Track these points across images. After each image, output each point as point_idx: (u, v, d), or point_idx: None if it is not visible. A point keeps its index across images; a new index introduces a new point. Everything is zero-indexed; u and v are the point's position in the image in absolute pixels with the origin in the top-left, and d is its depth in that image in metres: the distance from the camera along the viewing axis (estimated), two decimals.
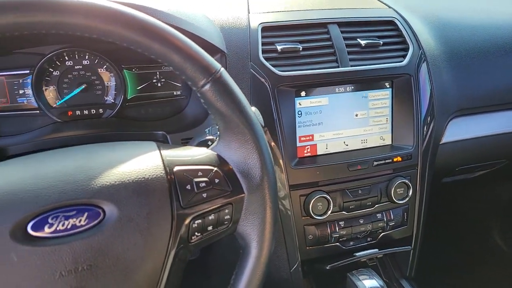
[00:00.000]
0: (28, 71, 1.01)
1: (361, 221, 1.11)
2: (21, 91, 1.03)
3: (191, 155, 0.67)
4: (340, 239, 1.10)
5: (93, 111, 1.09)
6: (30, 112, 1.04)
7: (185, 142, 1.00)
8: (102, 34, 0.57)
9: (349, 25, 1.12)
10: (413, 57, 1.14)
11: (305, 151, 1.08)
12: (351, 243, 1.13)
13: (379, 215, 1.12)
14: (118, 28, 0.56)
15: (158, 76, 1.14)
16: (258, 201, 0.66)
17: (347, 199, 1.08)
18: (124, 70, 1.09)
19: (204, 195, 0.63)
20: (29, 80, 1.02)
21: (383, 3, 1.25)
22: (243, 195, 0.66)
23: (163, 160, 0.64)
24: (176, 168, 0.63)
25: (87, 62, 1.06)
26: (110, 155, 0.63)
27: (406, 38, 1.16)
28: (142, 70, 1.12)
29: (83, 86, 1.06)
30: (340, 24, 1.11)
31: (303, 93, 1.06)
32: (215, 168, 0.65)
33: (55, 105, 1.06)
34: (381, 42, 1.11)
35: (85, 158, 0.62)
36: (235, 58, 1.03)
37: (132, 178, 0.60)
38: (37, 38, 0.95)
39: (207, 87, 0.62)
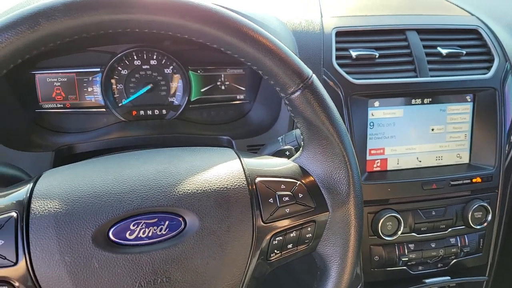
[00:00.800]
0: (98, 69, 1.00)
1: (433, 245, 1.02)
2: (89, 89, 1.02)
3: (272, 166, 0.63)
4: (409, 263, 1.02)
5: (157, 112, 1.08)
6: (96, 110, 1.04)
7: (251, 148, 0.96)
8: (195, 34, 0.54)
9: (429, 33, 1.04)
10: (499, 70, 1.04)
11: (375, 165, 1.01)
12: (420, 268, 1.04)
13: (452, 240, 1.03)
14: (212, 29, 0.53)
15: (222, 79, 1.11)
16: (342, 220, 0.61)
17: (419, 220, 1.00)
18: (190, 71, 1.07)
19: (287, 210, 0.58)
20: (98, 78, 1.02)
21: (465, 10, 1.16)
22: (327, 212, 0.60)
23: (244, 170, 0.60)
24: (258, 179, 0.59)
25: (155, 62, 1.04)
26: (191, 161, 0.60)
27: (491, 48, 1.06)
28: (207, 72, 1.09)
29: (149, 86, 1.04)
30: (420, 31, 1.03)
31: (376, 103, 0.99)
32: (299, 182, 0.60)
33: (121, 104, 1.05)
34: (464, 52, 1.03)
35: (166, 162, 0.58)
36: (307, 63, 0.97)
37: (213, 187, 0.56)
38: (111, 36, 0.94)
39: (297, 94, 0.58)
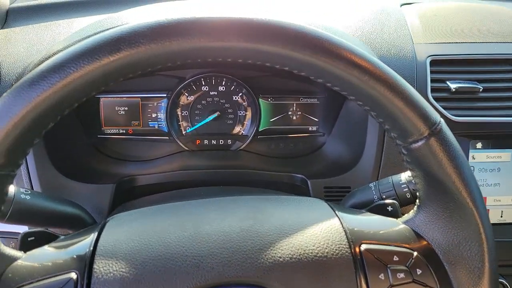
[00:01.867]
0: (164, 95, 0.94)
1: None
2: (153, 115, 0.96)
3: (378, 227, 0.50)
4: None
5: (221, 142, 0.99)
6: (159, 137, 0.97)
7: (330, 192, 0.84)
8: (299, 66, 0.44)
9: None
10: None
11: None
12: None
13: None
14: (323, 61, 0.43)
15: (294, 108, 1.00)
16: None
17: None
18: (260, 99, 0.98)
19: None
20: (163, 104, 0.95)
21: None
22: None
23: (346, 232, 0.48)
24: (364, 246, 0.47)
25: (223, 88, 0.97)
26: (280, 217, 0.49)
27: None
28: (278, 100, 0.99)
29: (216, 114, 0.96)
30: None
31: (479, 145, 0.84)
32: (415, 253, 0.48)
33: (185, 132, 0.98)
34: None
35: (250, 218, 0.48)
36: None
37: (309, 255, 0.45)
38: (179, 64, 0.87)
39: (420, 143, 0.45)
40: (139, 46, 0.40)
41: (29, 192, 0.59)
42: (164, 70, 0.92)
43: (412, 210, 0.51)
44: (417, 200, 0.51)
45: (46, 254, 0.46)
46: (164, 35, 0.40)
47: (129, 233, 0.46)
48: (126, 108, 0.95)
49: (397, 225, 0.51)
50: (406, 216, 0.52)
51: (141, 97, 0.94)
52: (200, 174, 0.88)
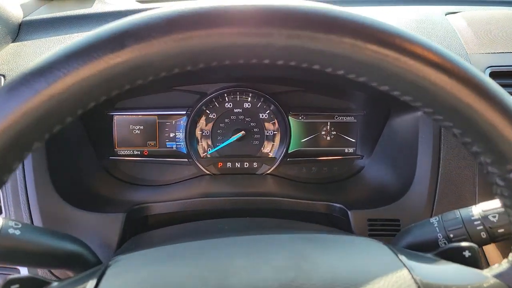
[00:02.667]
0: (184, 112, 0.84)
1: None
2: (171, 134, 0.86)
3: (459, 281, 0.37)
4: None
5: (246, 165, 0.88)
6: (177, 159, 0.86)
7: (374, 224, 0.71)
8: (362, 69, 0.33)
9: None
10: None
11: None
12: None
13: None
14: (390, 60, 0.32)
15: (328, 128, 0.89)
16: None
17: None
18: (290, 117, 0.87)
19: None
20: (183, 122, 0.85)
21: None
22: None
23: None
24: None
25: (248, 105, 0.86)
26: (330, 266, 0.37)
27: None
28: (310, 118, 0.88)
29: (241, 134, 0.86)
30: None
31: None
32: None
33: (206, 153, 0.87)
34: None
35: (291, 268, 0.36)
36: None
37: None
38: (201, 73, 0.78)
39: None
40: (151, 42, 0.30)
41: (19, 225, 0.49)
42: (183, 84, 0.82)
43: (505, 260, 0.39)
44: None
45: None
46: (184, 26, 0.30)
47: (135, 283, 0.35)
48: (141, 127, 0.85)
49: (486, 280, 0.38)
50: (497, 268, 0.39)
51: (158, 115, 0.85)
52: (222, 202, 0.77)
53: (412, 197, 0.71)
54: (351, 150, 0.90)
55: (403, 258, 0.39)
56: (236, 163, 0.88)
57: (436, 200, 0.70)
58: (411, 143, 0.74)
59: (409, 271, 0.37)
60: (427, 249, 0.50)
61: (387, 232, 0.71)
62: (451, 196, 0.70)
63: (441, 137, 0.71)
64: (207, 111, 0.85)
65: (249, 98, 0.86)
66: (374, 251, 0.41)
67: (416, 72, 0.32)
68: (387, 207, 0.72)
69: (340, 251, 0.40)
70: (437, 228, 0.54)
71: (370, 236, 0.71)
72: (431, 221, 0.56)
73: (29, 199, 0.65)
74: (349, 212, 0.72)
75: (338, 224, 0.81)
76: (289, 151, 0.88)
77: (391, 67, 0.32)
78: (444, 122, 0.35)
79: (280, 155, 0.87)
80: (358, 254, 0.40)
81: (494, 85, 0.33)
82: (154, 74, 0.33)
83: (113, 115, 0.84)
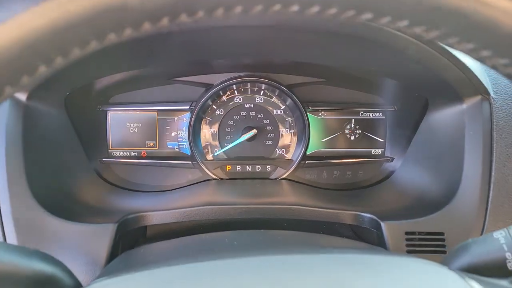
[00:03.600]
0: (187, 107, 0.74)
1: None
2: (173, 133, 0.76)
3: None
4: None
5: (258, 168, 0.77)
6: (180, 162, 0.76)
7: (413, 238, 0.59)
8: None
9: None
10: None
11: None
12: None
13: None
14: None
15: (352, 126, 0.78)
16: None
17: None
18: (308, 113, 0.76)
19: None
20: (186, 119, 0.75)
21: None
22: None
23: None
24: None
25: (261, 99, 0.75)
26: None
27: None
28: (331, 115, 0.77)
29: (252, 132, 0.75)
30: None
31: None
32: None
33: (212, 155, 0.76)
34: None
35: None
36: (504, 104, 0.61)
37: None
38: (206, 62, 0.67)
39: None
40: None
41: None
42: (185, 74, 0.72)
43: None
44: None
45: None
46: None
47: None
48: (139, 125, 0.75)
49: None
50: None
51: (157, 111, 0.74)
52: (231, 211, 0.65)
53: (458, 205, 0.59)
54: (379, 151, 0.78)
55: (466, 279, 0.27)
56: (247, 166, 0.77)
57: (488, 209, 0.58)
58: (455, 141, 0.62)
59: None
60: (494, 272, 0.38)
61: (429, 248, 0.59)
62: (507, 205, 0.58)
63: (492, 133, 0.59)
64: (213, 106, 0.75)
65: (262, 91, 0.75)
66: (437, 278, 0.29)
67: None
68: (428, 218, 0.60)
69: (394, 279, 0.29)
70: (504, 245, 0.42)
71: (409, 252, 0.59)
72: (495, 236, 0.43)
73: (1, 206, 0.55)
74: (382, 224, 0.60)
75: (365, 236, 0.69)
76: (307, 153, 0.77)
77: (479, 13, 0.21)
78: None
79: (298, 157, 0.76)
80: (418, 282, 0.29)
81: None
82: (133, 25, 0.22)
83: (107, 110, 0.74)
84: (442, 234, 0.59)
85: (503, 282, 0.35)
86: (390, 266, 0.31)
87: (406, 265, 0.32)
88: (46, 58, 0.23)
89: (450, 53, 0.53)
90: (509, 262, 0.42)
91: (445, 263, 0.48)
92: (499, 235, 0.44)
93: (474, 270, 0.43)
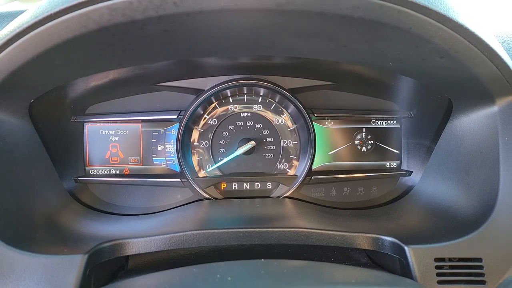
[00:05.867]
0: (175, 116, 0.65)
1: None
2: (159, 147, 0.67)
3: None
4: None
5: (258, 186, 0.68)
6: (167, 180, 0.66)
7: (443, 266, 0.49)
8: None
9: None
10: None
11: None
12: None
13: None
14: None
15: (363, 136, 0.69)
16: None
17: None
18: (314, 122, 0.67)
19: None
20: (174, 131, 0.66)
21: None
22: None
23: None
24: None
25: (259, 107, 0.67)
26: None
27: None
28: (340, 123, 0.69)
29: (250, 145, 0.66)
30: None
31: None
32: None
33: (204, 171, 0.67)
34: None
35: None
36: None
37: None
38: (195, 63, 0.59)
39: None
40: None
41: None
42: (172, 78, 0.63)
43: None
44: None
45: None
46: None
47: None
48: (120, 138, 0.66)
49: None
50: None
51: (142, 121, 0.66)
52: (226, 236, 0.55)
53: (497, 225, 0.50)
54: (394, 164, 0.70)
55: None
56: (244, 184, 0.68)
57: None
58: (487, 149, 0.53)
59: None
60: None
61: (464, 277, 0.48)
62: None
63: None
64: (205, 115, 0.66)
65: (260, 98, 0.67)
66: None
67: None
68: (461, 241, 0.50)
69: None
70: None
71: (440, 283, 0.48)
72: None
73: None
74: (406, 249, 0.50)
75: (385, 264, 0.59)
76: (313, 167, 0.68)
77: None
78: None
79: (302, 173, 0.67)
80: None
81: None
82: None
83: (83, 122, 0.65)
84: (479, 260, 0.49)
85: None
86: None
87: None
88: None
89: (486, 44, 0.45)
90: None
91: None
92: None
93: None
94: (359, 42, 0.48)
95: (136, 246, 0.55)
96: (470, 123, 0.58)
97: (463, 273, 0.50)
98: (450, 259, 0.51)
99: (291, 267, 0.46)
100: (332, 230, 0.58)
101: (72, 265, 0.48)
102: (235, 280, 0.40)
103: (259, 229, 0.58)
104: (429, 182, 0.65)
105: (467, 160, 0.58)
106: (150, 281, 0.47)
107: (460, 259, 0.51)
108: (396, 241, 0.54)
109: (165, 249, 0.56)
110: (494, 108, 0.53)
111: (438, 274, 0.50)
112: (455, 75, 0.52)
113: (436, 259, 0.51)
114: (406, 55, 0.51)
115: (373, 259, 0.63)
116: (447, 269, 0.51)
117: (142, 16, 0.38)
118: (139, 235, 0.56)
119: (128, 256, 0.61)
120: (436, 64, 0.51)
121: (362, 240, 0.56)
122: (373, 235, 0.57)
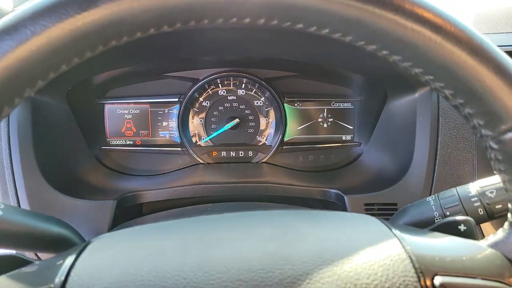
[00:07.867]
0: (176, 99, 0.83)
1: None
2: (164, 123, 0.85)
3: (455, 252, 0.35)
4: None
5: (241, 153, 0.87)
6: (171, 149, 0.85)
7: (371, 209, 0.69)
8: (346, 27, 0.31)
9: None
10: None
11: None
12: None
13: None
14: (375, 16, 0.30)
15: (325, 115, 0.87)
16: None
17: None
18: (285, 104, 0.85)
19: None
20: (175, 111, 0.84)
21: None
22: None
23: (412, 260, 0.33)
24: (439, 279, 0.32)
25: (243, 92, 0.85)
26: (318, 237, 0.35)
27: None
28: (306, 105, 0.87)
29: (235, 122, 0.84)
30: None
31: None
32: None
33: (199, 142, 0.86)
34: None
35: (277, 237, 0.35)
36: None
37: None
38: (192, 58, 0.76)
39: None
40: None
41: (2, 206, 0.47)
42: (174, 70, 0.81)
43: (501, 229, 0.36)
44: (510, 215, 0.36)
45: (7, 285, 0.34)
46: None
47: (114, 258, 0.33)
48: (133, 116, 0.84)
49: (481, 250, 0.36)
50: (492, 238, 0.37)
51: (150, 103, 0.83)
52: (216, 189, 0.75)
53: (409, 180, 0.69)
54: (348, 137, 0.88)
55: (396, 231, 0.37)
56: (231, 152, 0.86)
57: (434, 182, 0.68)
58: (409, 126, 0.72)
59: (400, 242, 0.35)
60: (424, 227, 0.48)
61: (384, 216, 0.68)
62: (449, 178, 0.68)
63: (439, 118, 0.69)
64: (200, 98, 0.84)
65: (243, 85, 0.84)
66: (366, 225, 0.39)
67: (404, 28, 0.31)
68: (384, 191, 0.70)
69: (330, 224, 0.38)
70: (433, 206, 0.52)
71: None
72: (427, 200, 0.54)
73: (17, 185, 0.64)
74: (345, 197, 0.70)
75: (332, 209, 0.79)
76: (285, 139, 0.86)
77: (375, 23, 0.31)
78: (435, 83, 0.33)
79: (276, 144, 0.85)
80: (348, 227, 0.38)
81: (485, 42, 0.31)
82: (128, 34, 0.31)
83: (104, 103, 0.83)
84: (395, 204, 0.69)
85: (426, 230, 0.45)
86: (330, 215, 0.41)
87: (344, 215, 0.42)
88: (42, 74, 0.30)
89: None
90: (436, 219, 0.52)
91: (389, 222, 0.58)
92: (430, 199, 0.54)
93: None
94: (311, 47, 0.66)
95: (149, 196, 0.74)
96: (399, 106, 0.76)
97: (384, 213, 0.70)
98: (375, 204, 0.71)
99: (260, 206, 0.65)
100: (295, 185, 0.78)
101: (107, 207, 0.67)
102: (220, 211, 0.59)
103: (240, 184, 0.77)
104: (372, 151, 0.84)
105: (396, 133, 0.77)
106: (158, 216, 0.67)
107: (383, 204, 0.71)
108: (339, 192, 0.73)
109: (171, 198, 0.76)
110: (415, 96, 0.72)
111: (366, 214, 0.70)
112: (386, 73, 0.71)
113: (366, 204, 0.71)
114: (347, 57, 0.69)
115: (326, 207, 0.83)
116: (374, 211, 0.71)
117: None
118: (151, 188, 0.76)
119: (142, 204, 0.80)
120: (370, 64, 0.70)
121: (315, 192, 0.76)
122: (324, 189, 0.76)
